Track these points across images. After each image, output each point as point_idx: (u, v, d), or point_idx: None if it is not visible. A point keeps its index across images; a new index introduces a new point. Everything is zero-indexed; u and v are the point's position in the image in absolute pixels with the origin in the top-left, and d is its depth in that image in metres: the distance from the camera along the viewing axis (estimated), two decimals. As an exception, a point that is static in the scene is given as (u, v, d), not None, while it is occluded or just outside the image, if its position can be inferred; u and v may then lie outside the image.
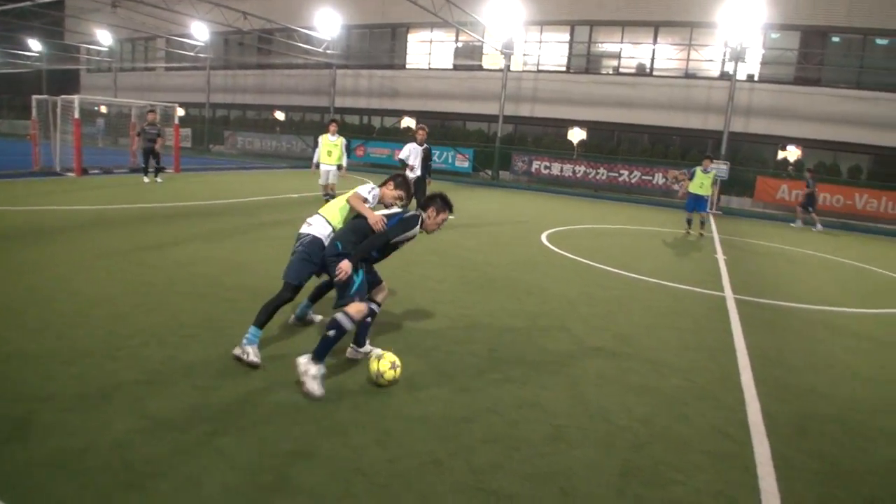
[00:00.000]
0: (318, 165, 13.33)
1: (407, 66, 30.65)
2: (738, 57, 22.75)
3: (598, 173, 24.37)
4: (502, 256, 9.24)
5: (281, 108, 34.48)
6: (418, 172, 11.35)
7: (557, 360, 4.94)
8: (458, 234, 10.77)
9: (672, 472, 3.35)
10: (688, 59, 25.26)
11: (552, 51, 27.62)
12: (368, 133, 30.85)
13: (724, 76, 24.05)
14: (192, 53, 33.46)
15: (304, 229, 4.50)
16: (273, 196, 14.89)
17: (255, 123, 34.98)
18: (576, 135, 26.78)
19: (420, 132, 11.57)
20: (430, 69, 29.81)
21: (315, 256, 4.35)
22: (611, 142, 26.75)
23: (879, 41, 23.20)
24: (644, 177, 23.71)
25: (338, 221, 4.51)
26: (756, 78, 24.43)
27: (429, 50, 29.90)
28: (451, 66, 29.45)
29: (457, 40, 29.24)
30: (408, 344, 4.95)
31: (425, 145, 11.58)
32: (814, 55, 23.59)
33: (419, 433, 3.50)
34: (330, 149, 13.34)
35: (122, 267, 6.67)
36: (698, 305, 7.27)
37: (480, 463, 3.24)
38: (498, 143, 26.49)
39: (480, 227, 12.15)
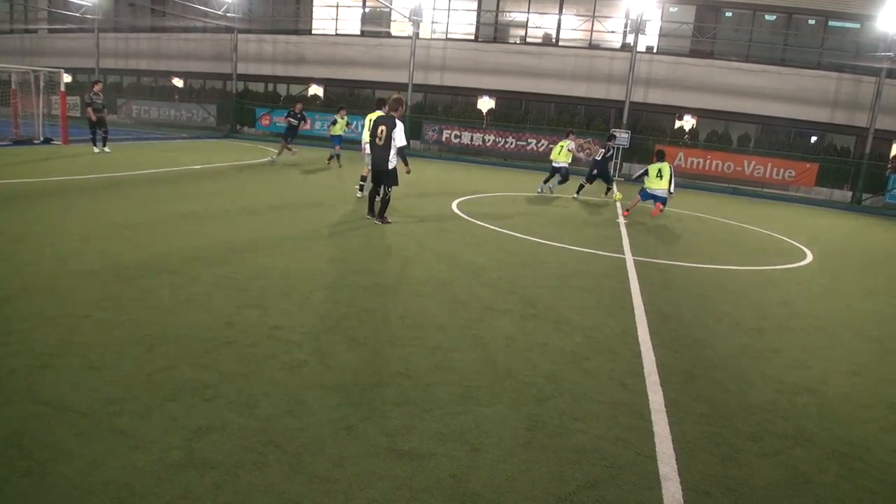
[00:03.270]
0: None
1: (313, 32, 29.70)
2: (638, 29, 23.58)
3: (506, 142, 24.79)
4: (412, 225, 9.28)
5: (179, 74, 32.61)
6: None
7: (467, 323, 5.08)
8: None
9: (574, 423, 3.55)
10: (591, 30, 25.93)
11: (461, 19, 27.57)
12: (274, 101, 29.81)
13: (626, 47, 24.89)
14: (77, 14, 30.89)
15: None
16: (173, 168, 14.16)
17: (151, 91, 32.90)
18: (485, 104, 27.03)
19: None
20: (337, 35, 29.03)
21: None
22: (519, 111, 27.19)
23: (768, 17, 24.72)
24: (551, 145, 24.26)
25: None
26: (655, 50, 25.47)
27: (335, 15, 29.08)
28: (358, 33, 28.82)
29: (364, 5, 28.60)
30: (319, 314, 4.93)
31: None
32: (708, 29, 24.83)
33: (331, 401, 3.52)
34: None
35: (5, 248, 6.20)
36: (600, 267, 7.63)
37: (393, 425, 3.31)
38: (408, 112, 26.31)
39: (404, 197, 12.07)
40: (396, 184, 8.95)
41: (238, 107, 29.34)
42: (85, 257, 5.99)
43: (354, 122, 20.73)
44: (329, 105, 28.11)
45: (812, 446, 3.61)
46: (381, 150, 8.65)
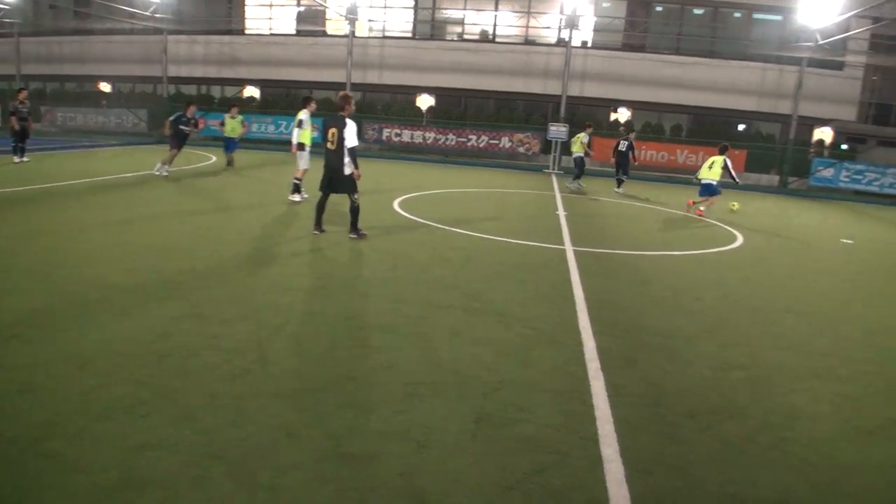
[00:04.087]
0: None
1: (246, 32, 29.06)
2: (572, 24, 24.02)
3: (447, 139, 24.86)
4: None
5: (106, 78, 31.31)
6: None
7: (409, 321, 5.08)
8: (306, 205, 10.53)
9: (519, 413, 3.61)
10: (527, 26, 26.28)
11: (397, 16, 27.48)
12: (208, 103, 29.01)
13: (561, 43, 25.33)
14: (-8, 18, 29.31)
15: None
16: (98, 178, 13.61)
17: (76, 97, 31.48)
18: (424, 101, 27.04)
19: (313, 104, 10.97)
20: (271, 35, 28.50)
21: None
22: (458, 107, 27.31)
23: (696, 11, 25.60)
24: (491, 141, 24.54)
25: None
26: (589, 45, 26.01)
27: (269, 14, 28.52)
28: (293, 32, 28.36)
29: (298, 4, 28.16)
30: (259, 320, 4.84)
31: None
32: (639, 23, 25.52)
33: (274, 408, 3.47)
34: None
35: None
36: (541, 259, 7.75)
37: (337, 429, 3.29)
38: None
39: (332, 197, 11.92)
40: (356, 190, 8.10)
41: (170, 111, 28.39)
42: (10, 274, 5.70)
43: (249, 120, 19.93)
44: (267, 107, 27.59)
45: (744, 419, 3.78)
46: (333, 154, 7.85)
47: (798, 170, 23.70)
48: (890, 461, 3.43)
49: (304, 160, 11.00)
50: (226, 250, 7.15)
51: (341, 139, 7.77)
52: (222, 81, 29.55)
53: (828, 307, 6.70)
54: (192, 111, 14.30)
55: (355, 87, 26.52)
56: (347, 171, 7.89)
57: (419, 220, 10.07)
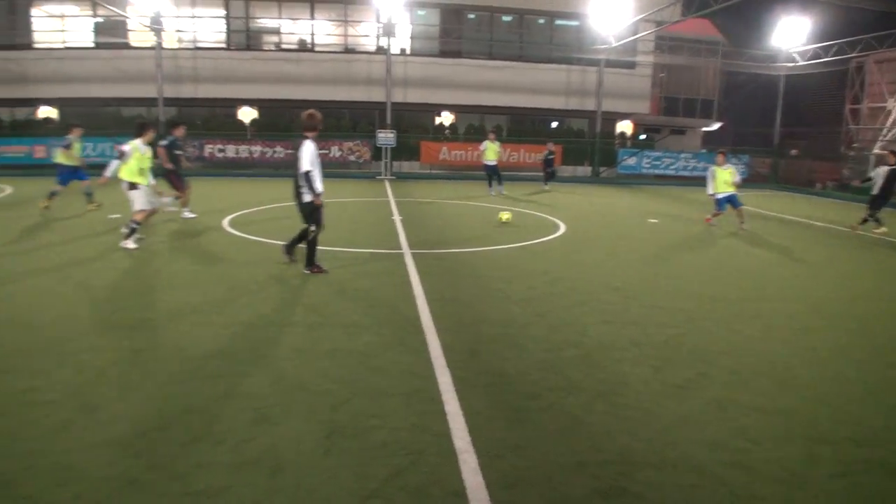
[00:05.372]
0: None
1: (35, 46, 25.96)
2: (390, 32, 24.42)
3: (275, 151, 24.13)
4: (182, 250, 8.66)
5: None
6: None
7: (251, 345, 4.89)
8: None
9: (371, 420, 3.63)
10: (346, 35, 26.28)
11: (209, 27, 26.13)
12: (-5, 128, 25.55)
13: (381, 50, 25.64)
14: None
15: None
16: None
17: None
18: (247, 114, 26.00)
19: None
20: (65, 48, 25.71)
21: None
22: (284, 119, 26.62)
23: (504, 18, 27.22)
24: (321, 150, 24.14)
25: None
26: (408, 52, 26.62)
27: (61, 26, 25.73)
28: (92, 45, 25.85)
29: (94, 14, 25.72)
30: (75, 367, 4.37)
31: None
32: (453, 30, 26.61)
33: (107, 458, 3.16)
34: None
35: None
36: (380, 265, 7.84)
37: (183, 468, 3.08)
38: (163, 129, 24.29)
39: (159, 220, 11.07)
40: (318, 221, 7.17)
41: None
42: None
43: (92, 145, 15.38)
44: (67, 128, 24.88)
45: (580, 392, 4.12)
46: (295, 179, 7.09)
47: (606, 160, 26.15)
48: (701, 409, 3.93)
49: (140, 200, 8.62)
50: (25, 292, 6.36)
51: (297, 161, 6.97)
52: (10, 102, 26.10)
53: (639, 280, 7.49)
54: (180, 133, 11.69)
55: (169, 101, 24.80)
56: (304, 198, 7.05)
57: (252, 237, 9.69)
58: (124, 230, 8.65)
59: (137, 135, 8.69)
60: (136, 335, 5.06)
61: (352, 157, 24.08)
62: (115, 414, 3.66)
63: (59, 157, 11.88)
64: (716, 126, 32.00)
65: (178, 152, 11.38)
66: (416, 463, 3.18)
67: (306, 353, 4.71)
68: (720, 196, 12.15)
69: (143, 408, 3.74)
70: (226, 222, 11.17)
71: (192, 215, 11.54)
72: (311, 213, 7.13)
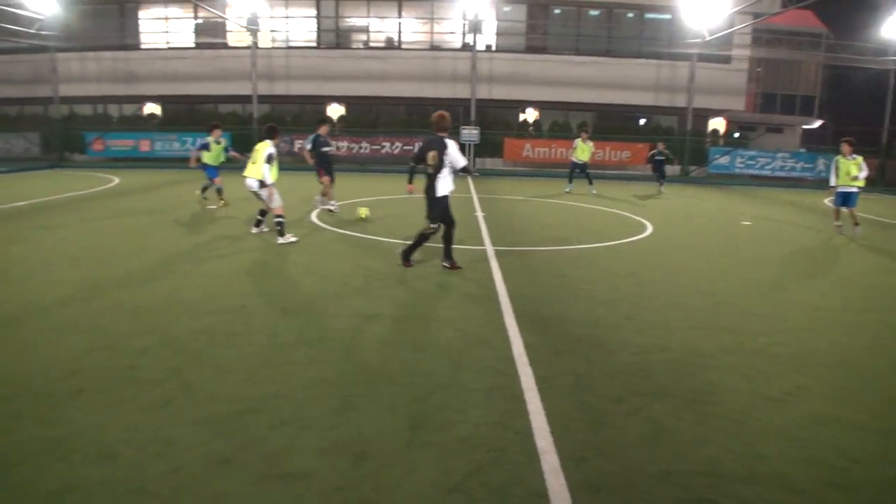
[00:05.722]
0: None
1: (142, 47, 27.76)
2: (475, 29, 24.46)
3: (361, 147, 24.71)
4: (273, 238, 9.01)
5: (-11, 102, 29.03)
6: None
7: (337, 334, 5.01)
8: (224, 227, 10.20)
9: (453, 414, 3.63)
10: (432, 32, 26.53)
11: (301, 26, 27.06)
12: (106, 123, 27.53)
13: (466, 47, 25.73)
14: None
15: None
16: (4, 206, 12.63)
17: (-47, 123, 29.00)
18: (335, 111, 26.76)
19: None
20: (169, 48, 27.36)
21: None
22: (370, 115, 27.20)
23: (592, 12, 26.68)
24: (405, 147, 24.58)
25: None
26: (494, 48, 26.56)
27: (166, 28, 27.38)
28: (193, 45, 27.35)
29: (196, 16, 27.19)
30: (175, 348, 4.63)
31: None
32: (539, 26, 26.32)
33: (202, 436, 3.33)
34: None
35: None
36: (463, 261, 7.83)
37: (271, 450, 3.20)
38: (255, 125, 25.42)
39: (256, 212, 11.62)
40: (443, 218, 7.31)
41: (64, 132, 26.74)
42: None
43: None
44: (169, 123, 26.49)
45: (667, 398, 3.97)
46: (431, 179, 7.21)
47: (697, 159, 25.14)
48: (797, 423, 3.70)
49: (276, 196, 8.90)
50: (136, 279, 6.81)
51: (441, 161, 7.07)
52: (119, 99, 28.10)
53: (730, 285, 7.14)
54: (325, 130, 11.82)
55: (262, 99, 25.91)
56: (438, 192, 7.19)
57: (339, 230, 9.95)
58: (276, 229, 8.85)
59: (269, 137, 8.78)
60: (233, 321, 5.29)
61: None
62: (210, 394, 3.83)
63: (204, 158, 12.44)
64: (817, 124, 30.12)
65: (325, 149, 11.62)
66: (497, 460, 3.16)
67: (391, 345, 4.78)
68: (841, 190, 11.13)
69: (236, 390, 3.91)
70: (314, 215, 11.52)
71: (335, 208, 11.95)
72: (445, 208, 7.25)
